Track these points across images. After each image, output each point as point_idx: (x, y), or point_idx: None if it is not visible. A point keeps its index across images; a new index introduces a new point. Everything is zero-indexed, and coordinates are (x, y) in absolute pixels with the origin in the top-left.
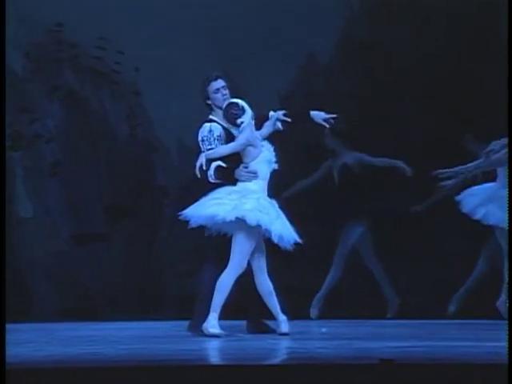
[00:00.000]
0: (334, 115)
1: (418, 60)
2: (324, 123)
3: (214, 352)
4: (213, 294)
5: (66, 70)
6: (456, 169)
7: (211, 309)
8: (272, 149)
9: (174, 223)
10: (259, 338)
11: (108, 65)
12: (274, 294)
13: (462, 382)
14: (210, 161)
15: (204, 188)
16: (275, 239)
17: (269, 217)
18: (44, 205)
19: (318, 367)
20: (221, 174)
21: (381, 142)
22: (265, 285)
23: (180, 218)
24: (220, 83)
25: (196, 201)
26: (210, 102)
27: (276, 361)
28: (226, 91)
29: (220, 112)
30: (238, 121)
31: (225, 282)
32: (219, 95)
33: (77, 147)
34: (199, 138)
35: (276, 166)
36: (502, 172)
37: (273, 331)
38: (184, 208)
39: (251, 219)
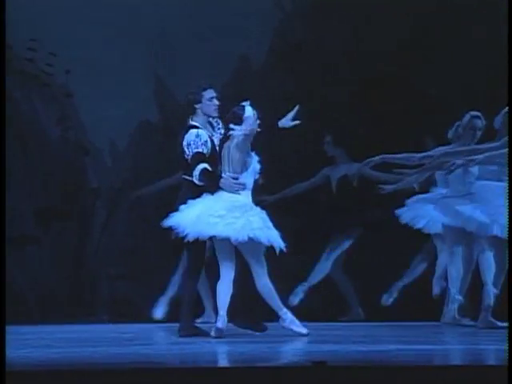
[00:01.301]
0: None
1: (352, 60)
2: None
3: (152, 355)
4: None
5: None
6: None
7: (277, 309)
8: (257, 159)
9: (105, 226)
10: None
11: (39, 67)
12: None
13: None
14: (196, 161)
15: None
16: (277, 249)
17: (273, 231)
18: None
19: None
20: (206, 178)
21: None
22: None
23: (173, 229)
24: (213, 93)
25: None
26: (198, 107)
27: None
28: (217, 102)
29: (203, 118)
30: (232, 126)
31: (263, 285)
32: (212, 103)
33: (8, 149)
34: (185, 143)
35: (258, 177)
36: (441, 177)
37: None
38: (122, 211)
39: (263, 239)
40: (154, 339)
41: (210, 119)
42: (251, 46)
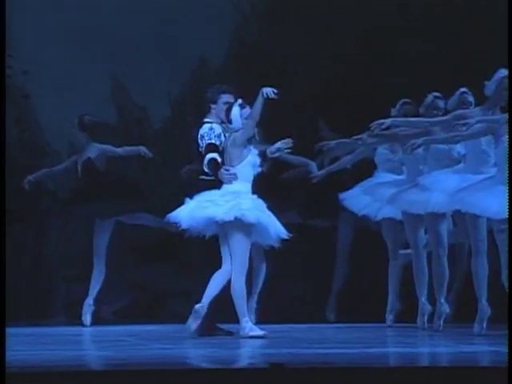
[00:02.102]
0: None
1: (311, 62)
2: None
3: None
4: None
5: None
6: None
7: (240, 315)
8: (256, 153)
9: (62, 228)
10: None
11: None
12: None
13: None
14: (208, 151)
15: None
16: (274, 237)
17: (266, 215)
18: None
19: None
20: (213, 167)
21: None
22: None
23: (169, 220)
24: (231, 99)
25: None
26: (212, 107)
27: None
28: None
29: (216, 119)
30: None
31: (239, 287)
32: (225, 108)
33: None
34: (198, 136)
35: (260, 170)
36: (411, 165)
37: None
38: (80, 212)
39: (250, 217)
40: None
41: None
42: (209, 48)
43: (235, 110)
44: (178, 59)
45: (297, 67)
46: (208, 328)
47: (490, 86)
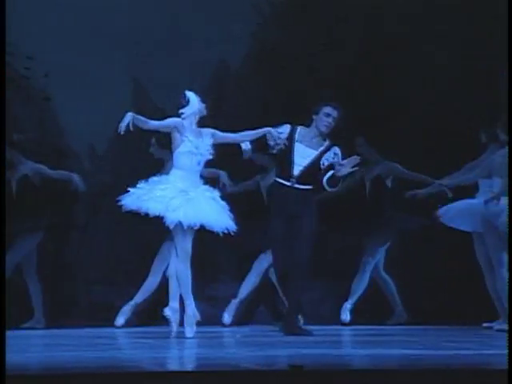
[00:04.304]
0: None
1: (330, 63)
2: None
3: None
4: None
5: None
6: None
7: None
8: (195, 141)
9: (85, 230)
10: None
11: (17, 70)
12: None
13: None
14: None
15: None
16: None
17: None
18: None
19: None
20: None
21: None
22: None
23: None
24: (332, 111)
25: None
26: (314, 117)
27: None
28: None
29: (314, 130)
30: (180, 111)
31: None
32: (325, 120)
33: None
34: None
35: (201, 158)
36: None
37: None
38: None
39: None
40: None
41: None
42: (229, 50)
43: (191, 94)
44: (198, 61)
45: (315, 68)
46: (292, 329)
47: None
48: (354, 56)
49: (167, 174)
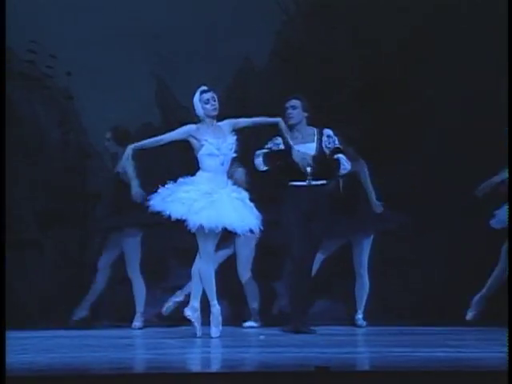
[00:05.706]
0: None
1: (354, 62)
2: None
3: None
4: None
5: None
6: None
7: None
8: (215, 143)
9: (107, 229)
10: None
11: (39, 69)
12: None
13: None
14: None
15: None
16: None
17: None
18: None
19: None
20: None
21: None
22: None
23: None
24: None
25: None
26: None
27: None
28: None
29: None
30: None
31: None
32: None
33: (8, 153)
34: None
35: (224, 159)
36: None
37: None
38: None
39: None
40: (155, 344)
41: None
42: (254, 48)
43: (196, 96)
44: (222, 59)
45: (340, 67)
46: (299, 327)
47: None
48: (379, 56)
49: (194, 175)
